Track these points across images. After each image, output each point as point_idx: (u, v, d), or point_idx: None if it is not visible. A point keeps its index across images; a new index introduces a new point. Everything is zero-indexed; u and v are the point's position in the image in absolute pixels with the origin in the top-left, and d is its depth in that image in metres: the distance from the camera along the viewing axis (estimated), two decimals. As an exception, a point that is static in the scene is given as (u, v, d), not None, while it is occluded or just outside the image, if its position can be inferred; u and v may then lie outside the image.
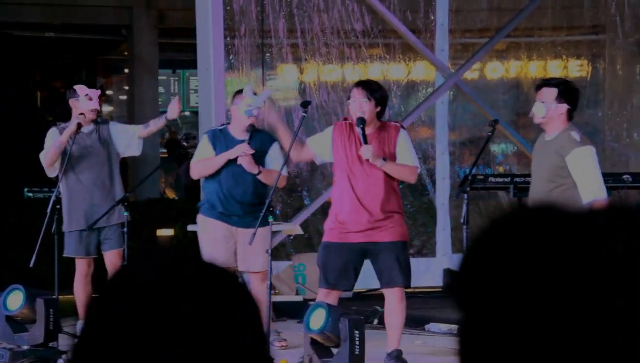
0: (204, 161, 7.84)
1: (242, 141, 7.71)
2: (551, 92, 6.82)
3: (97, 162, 8.40)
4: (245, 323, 1.28)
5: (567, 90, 6.86)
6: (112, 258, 8.45)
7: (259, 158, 7.74)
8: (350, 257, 7.10)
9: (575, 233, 1.15)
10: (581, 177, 6.62)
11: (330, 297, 7.16)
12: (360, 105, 7.04)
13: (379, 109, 7.10)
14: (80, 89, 8.44)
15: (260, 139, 7.82)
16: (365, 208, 7.02)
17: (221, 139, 7.82)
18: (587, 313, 1.12)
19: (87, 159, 8.39)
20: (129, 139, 8.55)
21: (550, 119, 6.78)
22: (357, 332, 6.70)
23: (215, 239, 7.71)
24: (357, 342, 6.69)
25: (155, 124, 8.54)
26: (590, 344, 1.12)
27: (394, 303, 7.16)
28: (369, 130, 7.04)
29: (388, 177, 7.06)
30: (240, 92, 7.94)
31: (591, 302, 1.12)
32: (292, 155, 7.29)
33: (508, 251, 1.17)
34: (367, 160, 6.93)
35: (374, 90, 7.12)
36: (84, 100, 8.34)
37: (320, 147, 7.20)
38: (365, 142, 6.92)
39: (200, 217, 7.99)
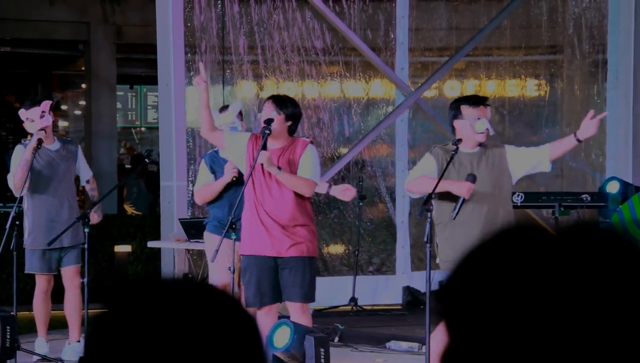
0: (205, 187, 8.04)
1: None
2: (490, 110, 7.07)
3: (62, 179, 8.33)
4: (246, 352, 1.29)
5: None
6: (69, 274, 8.39)
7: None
8: (268, 272, 7.08)
9: (563, 253, 1.19)
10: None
11: (272, 311, 7.13)
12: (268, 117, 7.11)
13: (289, 123, 7.13)
14: (22, 114, 8.34)
15: None
16: (274, 220, 7.02)
17: (218, 160, 7.91)
18: (570, 331, 1.16)
19: (52, 175, 8.31)
20: (83, 175, 8.55)
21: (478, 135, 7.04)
22: (322, 350, 6.69)
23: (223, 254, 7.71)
24: (323, 360, 6.68)
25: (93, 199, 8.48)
26: (574, 358, 1.16)
27: (299, 317, 7.13)
28: (278, 144, 7.07)
29: (293, 191, 7.07)
30: (224, 108, 8.06)
31: (573, 320, 1.16)
32: (203, 128, 7.22)
33: (496, 269, 1.20)
34: (263, 165, 6.96)
35: (285, 105, 7.16)
36: (28, 125, 8.27)
37: (233, 144, 7.17)
38: (264, 149, 6.95)
39: (205, 234, 8.17)
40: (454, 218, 6.74)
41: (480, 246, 1.25)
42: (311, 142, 7.27)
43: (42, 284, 8.38)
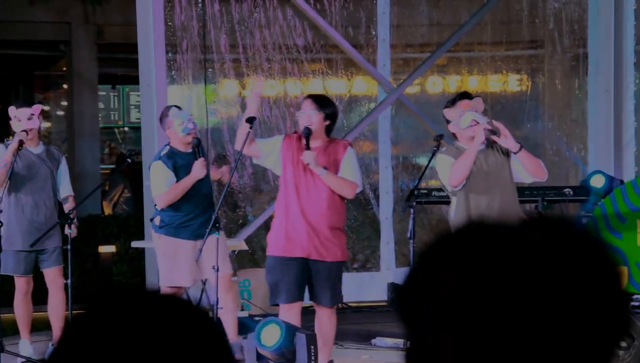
0: (173, 188, 7.79)
1: (189, 154, 7.79)
2: (479, 102, 7.03)
3: (40, 181, 8.29)
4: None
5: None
6: (51, 276, 8.34)
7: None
8: (297, 270, 7.10)
9: (514, 248, 1.21)
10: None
11: (292, 310, 7.14)
12: (308, 117, 7.07)
13: (328, 123, 7.13)
14: (11, 111, 8.31)
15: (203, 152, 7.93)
16: (309, 222, 7.01)
17: (177, 159, 7.83)
18: (530, 330, 1.18)
19: (32, 178, 8.28)
20: (63, 190, 8.47)
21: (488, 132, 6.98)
22: (312, 347, 6.70)
23: (180, 257, 7.69)
24: (313, 358, 6.69)
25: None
26: (532, 352, 1.18)
27: (324, 319, 7.17)
28: (316, 143, 7.07)
29: (332, 192, 7.07)
30: (165, 113, 8.00)
31: (530, 316, 1.18)
32: (240, 142, 7.22)
33: (452, 266, 1.21)
34: (309, 165, 6.94)
35: (325, 104, 7.17)
36: (15, 123, 8.25)
37: (268, 150, 7.18)
38: (308, 149, 6.93)
39: (163, 237, 7.92)
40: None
41: (431, 246, 1.26)
42: (350, 144, 7.30)
43: (20, 286, 8.35)
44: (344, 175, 7.09)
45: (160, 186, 7.85)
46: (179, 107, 8.05)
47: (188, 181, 7.76)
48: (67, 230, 8.02)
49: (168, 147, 7.94)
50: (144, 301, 1.31)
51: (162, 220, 7.90)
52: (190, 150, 7.85)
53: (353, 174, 7.13)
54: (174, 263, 7.73)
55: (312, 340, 6.77)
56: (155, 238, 8.03)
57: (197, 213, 7.78)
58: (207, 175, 7.88)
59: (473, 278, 1.20)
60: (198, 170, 7.74)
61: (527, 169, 6.91)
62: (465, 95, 7.18)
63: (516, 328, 1.18)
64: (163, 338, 1.25)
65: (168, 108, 8.10)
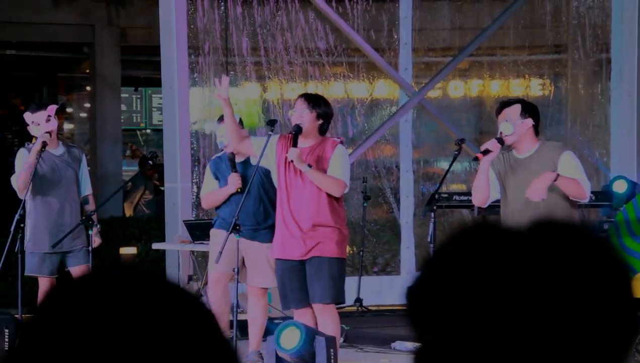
0: (210, 195, 8.03)
1: (239, 163, 7.87)
2: (515, 109, 6.86)
3: (65, 184, 8.31)
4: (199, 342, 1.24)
5: (529, 106, 6.94)
6: (77, 274, 8.35)
7: (247, 176, 7.77)
8: (299, 274, 7.05)
9: (522, 252, 1.21)
10: (579, 175, 6.70)
11: (305, 315, 7.10)
12: (300, 115, 7.04)
13: (320, 122, 7.07)
14: (27, 117, 8.34)
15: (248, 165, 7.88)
16: (299, 223, 6.97)
17: (221, 166, 7.93)
18: (539, 330, 1.18)
19: (56, 180, 8.30)
20: (83, 188, 8.49)
21: (520, 136, 6.81)
22: (332, 350, 6.69)
23: (216, 242, 7.72)
24: (333, 361, 6.68)
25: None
26: (542, 351, 1.18)
27: (321, 318, 7.09)
28: (308, 143, 7.01)
29: (322, 191, 6.98)
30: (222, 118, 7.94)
31: (541, 319, 1.18)
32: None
33: (471, 267, 1.21)
34: (292, 162, 6.90)
35: (318, 103, 7.10)
36: (33, 128, 8.27)
37: (261, 149, 7.14)
38: (295, 146, 6.90)
39: (212, 231, 8.10)
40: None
41: (443, 247, 1.26)
42: (341, 142, 7.23)
43: (44, 287, 8.37)
44: (331, 173, 6.98)
45: (204, 189, 8.17)
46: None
47: (223, 192, 7.89)
48: (92, 235, 8.11)
49: (222, 153, 8.04)
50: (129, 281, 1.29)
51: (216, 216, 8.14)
52: (240, 161, 7.90)
53: (341, 173, 7.01)
54: (212, 251, 7.81)
55: (331, 343, 6.75)
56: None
57: (243, 215, 7.69)
58: (248, 183, 7.78)
59: (485, 278, 1.20)
60: (231, 183, 7.85)
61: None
62: (501, 106, 7.07)
63: (526, 329, 1.18)
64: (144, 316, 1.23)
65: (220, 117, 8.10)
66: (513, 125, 6.78)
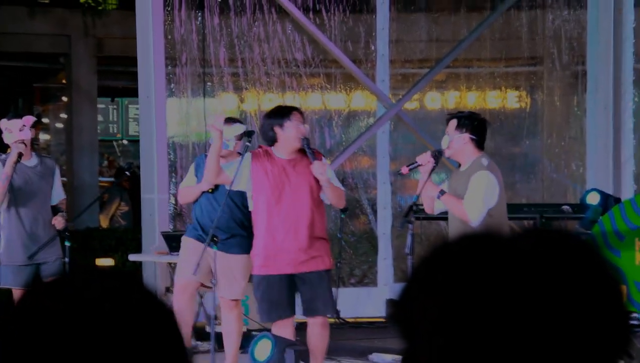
0: (185, 189, 7.99)
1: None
2: (452, 124, 6.94)
3: (38, 195, 8.27)
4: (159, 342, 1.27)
5: (467, 121, 6.91)
6: None
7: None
8: (285, 287, 7.07)
9: (508, 260, 1.21)
10: (470, 198, 6.71)
11: (286, 326, 7.12)
12: (303, 128, 7.10)
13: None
14: (2, 124, 8.31)
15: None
16: (295, 235, 7.01)
17: (202, 165, 7.86)
18: (526, 338, 1.18)
19: (29, 192, 8.26)
20: (56, 195, 8.45)
21: (456, 151, 6.88)
22: (302, 362, 6.69)
23: (189, 256, 7.66)
24: (304, 373, 6.69)
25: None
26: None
27: (321, 332, 7.16)
28: (293, 156, 7.09)
29: (314, 201, 7.06)
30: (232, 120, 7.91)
31: (528, 327, 1.18)
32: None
33: (448, 279, 1.22)
34: (321, 176, 6.95)
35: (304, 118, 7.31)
36: (6, 135, 8.24)
37: (238, 179, 7.15)
38: (315, 159, 6.96)
39: (183, 238, 8.04)
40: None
41: (426, 259, 1.26)
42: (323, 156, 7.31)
43: (18, 298, 8.32)
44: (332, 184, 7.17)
45: (183, 182, 8.11)
46: (233, 120, 7.99)
47: (195, 188, 7.81)
48: (56, 223, 8.07)
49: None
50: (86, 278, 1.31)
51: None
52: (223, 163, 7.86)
53: (338, 182, 7.17)
54: (182, 258, 7.77)
55: (301, 355, 6.75)
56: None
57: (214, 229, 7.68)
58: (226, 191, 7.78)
59: (464, 289, 1.20)
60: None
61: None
62: (446, 119, 7.14)
63: (511, 340, 1.18)
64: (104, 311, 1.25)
65: (233, 120, 8.04)
66: (449, 139, 6.86)
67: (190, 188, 7.94)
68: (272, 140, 7.09)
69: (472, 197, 6.73)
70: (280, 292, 7.02)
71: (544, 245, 1.23)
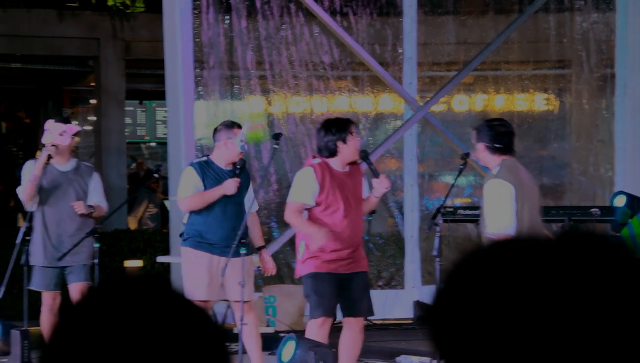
0: (199, 195, 7.75)
1: (229, 171, 7.74)
2: (473, 134, 6.97)
3: (64, 200, 8.28)
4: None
5: (479, 130, 6.91)
6: (75, 292, 8.31)
7: (242, 190, 7.75)
8: (336, 287, 7.18)
9: (541, 264, 1.22)
10: (485, 212, 6.68)
11: (325, 325, 7.17)
12: (358, 141, 7.37)
13: None
14: (47, 123, 8.37)
15: (245, 174, 7.85)
16: (351, 240, 7.21)
17: (208, 171, 7.79)
18: (559, 343, 1.18)
19: (55, 195, 8.28)
20: (93, 198, 8.42)
21: (479, 159, 6.94)
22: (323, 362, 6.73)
23: (200, 270, 7.65)
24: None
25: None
26: None
27: (358, 333, 7.22)
28: (347, 168, 7.22)
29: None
30: (230, 126, 7.87)
31: (562, 331, 1.18)
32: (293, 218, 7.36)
33: (481, 284, 1.21)
34: (387, 188, 7.25)
35: None
36: (46, 135, 8.29)
37: (310, 196, 7.26)
38: (377, 176, 7.18)
39: (186, 249, 7.86)
40: None
41: (459, 264, 1.26)
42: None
43: (45, 301, 8.32)
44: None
45: (186, 190, 7.80)
46: (240, 125, 7.95)
47: (215, 193, 7.67)
48: (75, 206, 8.08)
49: (206, 158, 7.91)
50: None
51: (187, 232, 7.87)
52: (228, 168, 7.76)
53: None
54: (192, 276, 7.68)
55: (324, 356, 6.78)
56: (181, 251, 8.01)
57: (221, 231, 7.68)
58: (240, 197, 7.77)
59: (500, 293, 1.20)
60: (229, 186, 7.66)
61: None
62: None
63: (546, 344, 1.18)
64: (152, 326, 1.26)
65: (232, 122, 7.98)
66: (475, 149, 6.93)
67: (204, 194, 7.70)
68: (333, 153, 7.21)
69: (487, 210, 6.69)
70: (332, 292, 7.16)
71: (577, 248, 1.23)
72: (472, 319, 1.20)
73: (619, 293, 1.20)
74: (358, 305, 7.18)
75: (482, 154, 6.82)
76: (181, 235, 7.94)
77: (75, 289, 8.30)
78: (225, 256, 7.47)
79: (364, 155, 7.30)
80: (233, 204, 7.69)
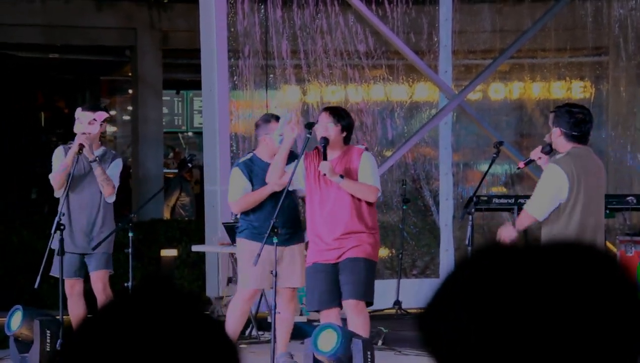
0: (247, 196, 7.87)
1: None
2: (551, 117, 6.92)
3: (88, 188, 8.28)
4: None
5: (558, 114, 6.88)
6: (93, 279, 8.31)
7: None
8: (330, 275, 7.19)
9: (530, 272, 1.22)
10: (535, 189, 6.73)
11: (331, 316, 7.20)
12: (326, 129, 7.24)
13: (344, 134, 7.34)
14: (77, 112, 8.40)
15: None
16: (331, 230, 7.17)
17: (254, 168, 7.89)
18: (553, 349, 1.19)
19: (86, 182, 8.31)
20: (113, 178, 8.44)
21: (554, 143, 6.84)
22: (369, 353, 6.72)
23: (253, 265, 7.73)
24: (370, 363, 6.71)
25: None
26: None
27: (352, 316, 7.20)
28: (334, 154, 7.25)
29: (354, 198, 7.19)
30: (267, 120, 7.95)
31: (557, 338, 1.19)
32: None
33: (474, 293, 1.22)
34: (325, 175, 7.07)
35: (341, 116, 7.38)
36: (77, 125, 8.31)
37: (297, 178, 7.33)
38: (325, 159, 7.05)
39: (241, 241, 8.00)
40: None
41: (452, 273, 1.27)
42: (366, 149, 7.40)
43: (67, 288, 8.32)
44: (362, 180, 7.24)
45: (235, 192, 7.95)
46: (278, 117, 8.01)
47: (263, 192, 7.80)
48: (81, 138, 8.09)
49: (251, 154, 8.01)
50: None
51: (241, 224, 8.03)
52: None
53: (372, 179, 7.28)
54: (246, 267, 7.78)
55: (368, 345, 6.77)
56: (237, 243, 8.17)
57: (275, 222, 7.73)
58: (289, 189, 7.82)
59: (493, 302, 1.20)
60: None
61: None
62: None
63: (536, 351, 1.17)
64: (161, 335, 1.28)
65: (270, 116, 8.09)
66: (550, 133, 6.85)
67: (252, 195, 7.85)
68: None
69: (535, 191, 6.72)
70: (323, 282, 7.20)
71: (565, 258, 1.23)
72: (462, 327, 1.21)
73: (602, 304, 1.20)
74: (343, 288, 7.17)
75: (557, 138, 6.77)
76: (236, 227, 8.09)
77: (94, 277, 8.30)
78: (279, 246, 7.56)
79: (322, 140, 7.20)
80: (284, 196, 7.70)
